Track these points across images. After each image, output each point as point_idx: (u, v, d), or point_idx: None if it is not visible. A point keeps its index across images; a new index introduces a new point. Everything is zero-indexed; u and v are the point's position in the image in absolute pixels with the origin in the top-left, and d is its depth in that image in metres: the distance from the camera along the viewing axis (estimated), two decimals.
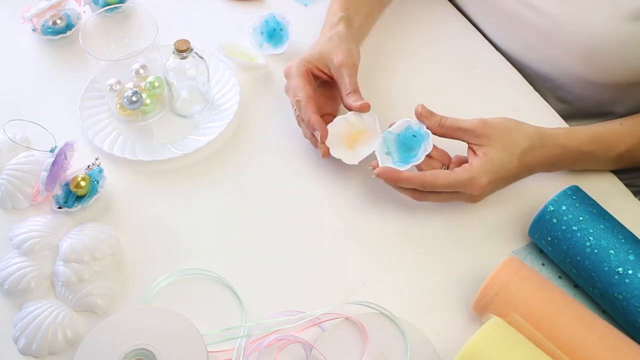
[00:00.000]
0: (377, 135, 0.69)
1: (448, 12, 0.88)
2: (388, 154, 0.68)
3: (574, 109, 0.80)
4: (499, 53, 0.83)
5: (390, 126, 0.67)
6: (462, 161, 0.65)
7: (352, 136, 0.70)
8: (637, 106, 0.71)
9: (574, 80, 0.74)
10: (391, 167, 0.64)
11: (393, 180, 0.63)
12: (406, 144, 0.68)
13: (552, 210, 0.60)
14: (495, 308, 0.57)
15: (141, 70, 0.79)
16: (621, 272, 0.56)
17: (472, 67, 0.82)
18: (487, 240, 0.67)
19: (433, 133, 0.65)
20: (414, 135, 0.68)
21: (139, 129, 0.78)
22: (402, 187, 0.65)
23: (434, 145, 0.65)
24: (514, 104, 0.78)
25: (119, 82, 0.77)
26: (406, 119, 0.68)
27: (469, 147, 0.64)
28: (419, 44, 0.85)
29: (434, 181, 0.62)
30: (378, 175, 0.64)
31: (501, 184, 0.65)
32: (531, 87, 0.79)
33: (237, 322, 0.62)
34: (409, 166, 0.66)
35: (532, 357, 0.52)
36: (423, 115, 0.64)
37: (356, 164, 0.68)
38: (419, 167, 0.65)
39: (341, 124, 0.69)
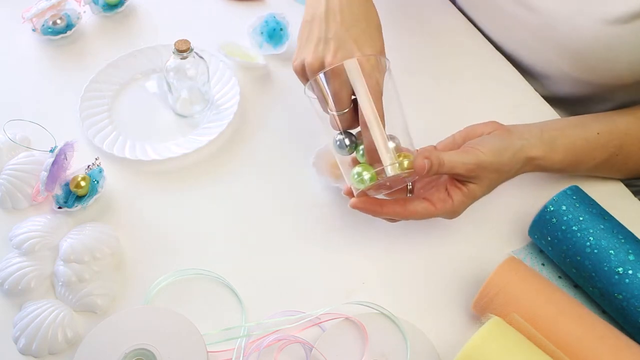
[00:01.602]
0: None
1: (447, 10, 0.89)
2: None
3: (563, 104, 0.80)
4: (498, 52, 0.83)
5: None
6: (449, 147, 0.64)
7: (335, 164, 0.71)
8: (622, 104, 0.72)
9: (564, 77, 0.75)
10: (371, 199, 0.59)
11: (372, 213, 0.60)
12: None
13: (552, 210, 0.60)
14: (495, 308, 0.57)
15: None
16: (621, 272, 0.57)
17: (472, 65, 0.82)
18: (487, 240, 0.67)
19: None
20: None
21: (139, 129, 0.78)
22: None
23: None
24: (514, 103, 0.78)
25: None
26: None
27: (452, 179, 0.62)
28: (417, 41, 0.85)
29: (413, 216, 0.60)
30: (354, 207, 0.59)
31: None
32: (530, 86, 0.79)
33: (237, 322, 0.62)
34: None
35: (532, 357, 0.52)
36: (421, 172, 0.56)
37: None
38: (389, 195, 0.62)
39: (322, 154, 0.71)
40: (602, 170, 0.69)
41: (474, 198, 0.62)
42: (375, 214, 0.60)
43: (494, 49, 0.83)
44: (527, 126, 0.65)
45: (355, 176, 0.56)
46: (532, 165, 0.64)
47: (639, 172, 0.70)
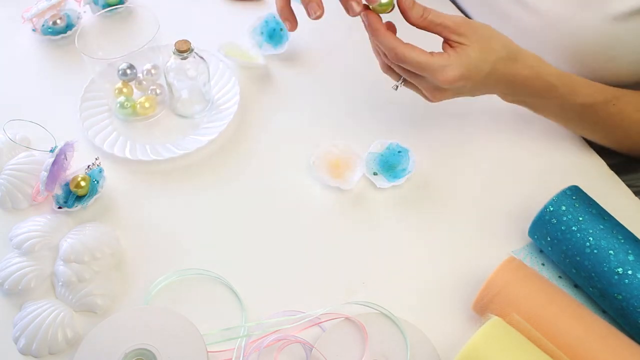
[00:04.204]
0: (357, 158, 0.71)
1: (444, 6, 0.89)
2: (375, 174, 0.70)
3: None
4: None
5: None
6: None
7: (334, 163, 0.71)
8: None
9: None
10: (377, 17, 0.61)
11: (372, 28, 0.60)
12: (389, 161, 0.71)
13: (552, 211, 0.61)
14: (495, 308, 0.57)
15: (152, 71, 0.79)
16: (621, 273, 0.57)
17: None
18: (487, 240, 0.67)
19: (413, 24, 0.62)
20: (399, 152, 0.69)
21: (139, 129, 0.78)
22: (376, 46, 0.63)
23: None
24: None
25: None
26: (384, 140, 0.71)
27: (447, 42, 0.62)
28: (417, 42, 0.85)
29: (406, 53, 0.60)
30: (363, 14, 0.60)
31: (468, 86, 0.63)
32: None
33: (237, 322, 0.62)
34: (403, 180, 0.69)
35: (532, 357, 0.52)
36: (406, 3, 0.61)
37: (351, 187, 0.70)
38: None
39: (322, 154, 0.72)
40: (599, 117, 0.67)
41: (467, 56, 0.61)
42: (376, 30, 0.60)
43: None
44: None
45: None
46: (525, 66, 0.63)
47: (633, 142, 0.70)
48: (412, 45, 0.61)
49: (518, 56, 0.63)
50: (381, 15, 0.61)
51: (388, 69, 0.65)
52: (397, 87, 0.66)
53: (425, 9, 0.61)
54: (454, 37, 0.61)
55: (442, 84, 0.61)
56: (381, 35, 0.60)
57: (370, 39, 0.63)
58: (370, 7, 0.60)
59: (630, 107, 0.67)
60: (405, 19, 0.62)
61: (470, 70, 0.61)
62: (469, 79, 0.61)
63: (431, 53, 0.60)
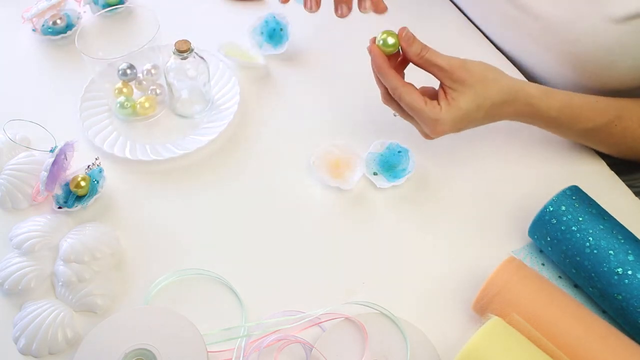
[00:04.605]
0: (357, 158, 0.72)
1: (448, 11, 0.89)
2: (375, 174, 0.71)
3: None
4: (500, 53, 0.83)
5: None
6: (429, 92, 0.65)
7: (334, 163, 0.71)
8: None
9: (565, 83, 0.74)
10: (381, 54, 0.62)
11: (376, 65, 0.62)
12: (389, 161, 0.71)
13: (552, 211, 0.61)
14: (495, 308, 0.57)
15: (152, 71, 0.79)
16: (620, 273, 0.57)
17: None
18: (487, 240, 0.67)
19: (411, 61, 0.64)
20: (399, 152, 0.69)
21: (139, 129, 0.78)
22: (378, 80, 0.65)
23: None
24: None
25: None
26: (384, 140, 0.72)
27: (441, 86, 0.63)
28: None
29: (403, 95, 0.62)
30: (370, 52, 0.63)
31: (461, 129, 0.65)
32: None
33: (237, 322, 0.62)
34: (403, 180, 0.69)
35: (532, 357, 0.52)
36: (405, 40, 0.62)
37: (351, 187, 0.70)
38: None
39: (322, 154, 0.72)
40: (601, 137, 0.68)
41: (458, 108, 0.62)
42: (380, 68, 0.62)
43: (495, 49, 0.83)
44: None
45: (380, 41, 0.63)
46: (525, 102, 0.63)
47: (637, 155, 0.70)
48: (411, 87, 0.62)
49: (517, 95, 0.63)
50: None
51: (389, 100, 0.66)
52: (396, 115, 0.68)
53: (423, 47, 0.62)
54: (447, 82, 0.62)
55: (431, 135, 0.64)
56: (384, 73, 0.62)
57: (372, 70, 0.64)
58: (376, 44, 0.62)
59: (633, 124, 0.67)
60: (404, 54, 0.63)
61: (462, 121, 0.63)
62: (460, 126, 0.64)
63: (425, 101, 0.62)
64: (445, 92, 0.62)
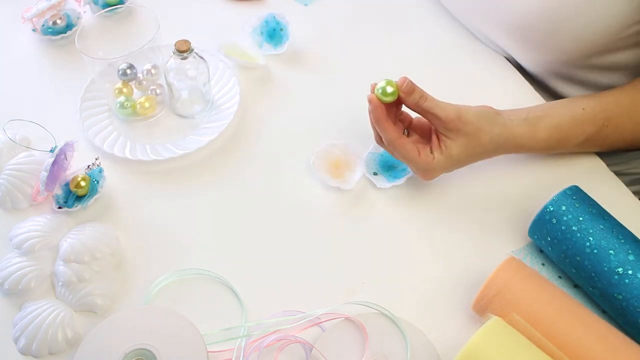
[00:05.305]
0: (357, 158, 0.72)
1: (433, 8, 0.89)
2: (375, 174, 0.71)
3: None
4: (482, 43, 0.84)
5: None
6: (423, 124, 0.67)
7: (334, 163, 0.72)
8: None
9: (511, 58, 0.77)
10: (379, 105, 0.63)
11: (374, 115, 0.64)
12: (389, 161, 0.72)
13: (552, 211, 0.61)
14: (495, 308, 0.57)
15: (153, 71, 0.79)
16: (621, 272, 0.57)
17: (460, 60, 0.83)
18: (487, 240, 0.67)
19: (408, 108, 0.65)
20: None
21: (139, 129, 0.78)
22: (373, 125, 0.66)
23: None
24: (505, 91, 0.80)
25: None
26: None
27: (435, 132, 0.65)
28: (404, 38, 0.85)
29: (398, 148, 0.64)
30: (369, 102, 0.64)
31: (451, 170, 0.67)
32: (520, 76, 0.81)
33: (237, 322, 0.62)
34: (403, 180, 0.69)
35: (532, 357, 0.52)
36: (405, 90, 0.63)
37: (351, 187, 0.70)
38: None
39: (322, 154, 0.72)
40: (596, 143, 0.69)
41: (449, 157, 0.64)
42: (378, 120, 0.64)
43: (482, 44, 0.84)
44: (515, 110, 0.67)
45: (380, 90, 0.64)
46: (514, 144, 0.66)
47: (636, 142, 0.70)
48: (405, 139, 0.64)
49: (507, 141, 0.66)
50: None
51: (381, 143, 0.68)
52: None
53: (422, 96, 0.63)
54: (442, 130, 0.64)
55: (423, 179, 0.68)
56: (382, 126, 0.64)
57: (369, 116, 0.66)
58: (375, 93, 0.63)
59: (623, 119, 0.67)
60: (402, 102, 0.64)
61: (453, 165, 0.66)
62: (451, 169, 0.67)
63: (419, 151, 0.64)
64: (439, 140, 0.64)
